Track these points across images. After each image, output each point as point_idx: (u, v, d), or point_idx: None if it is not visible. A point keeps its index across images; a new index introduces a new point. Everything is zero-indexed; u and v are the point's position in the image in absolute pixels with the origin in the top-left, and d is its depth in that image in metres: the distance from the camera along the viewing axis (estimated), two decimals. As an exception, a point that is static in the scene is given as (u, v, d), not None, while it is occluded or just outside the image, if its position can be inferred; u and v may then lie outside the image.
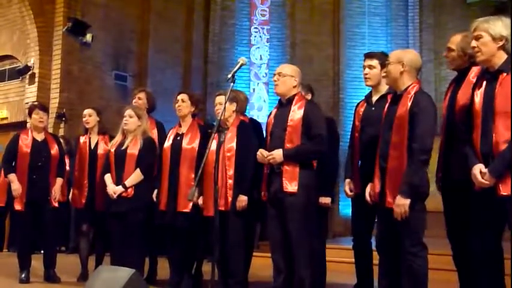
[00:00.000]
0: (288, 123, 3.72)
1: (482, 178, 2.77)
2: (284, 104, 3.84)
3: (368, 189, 3.45)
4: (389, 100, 3.48)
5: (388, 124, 3.28)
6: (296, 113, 3.73)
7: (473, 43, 2.93)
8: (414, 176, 3.09)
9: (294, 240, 3.63)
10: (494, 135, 2.77)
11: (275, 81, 3.84)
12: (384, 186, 3.25)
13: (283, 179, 3.65)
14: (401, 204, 3.08)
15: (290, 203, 3.63)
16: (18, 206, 4.77)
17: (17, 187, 4.75)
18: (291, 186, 3.63)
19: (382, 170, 3.28)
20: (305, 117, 3.70)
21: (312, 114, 3.72)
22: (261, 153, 3.76)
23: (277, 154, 3.66)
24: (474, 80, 3.21)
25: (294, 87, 3.81)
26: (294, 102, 3.77)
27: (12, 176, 4.79)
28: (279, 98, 3.94)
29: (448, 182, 3.40)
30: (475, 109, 2.90)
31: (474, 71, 3.32)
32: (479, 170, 2.80)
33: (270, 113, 4.00)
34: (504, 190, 2.70)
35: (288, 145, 3.69)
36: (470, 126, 2.93)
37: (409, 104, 3.17)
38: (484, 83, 2.90)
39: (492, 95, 2.81)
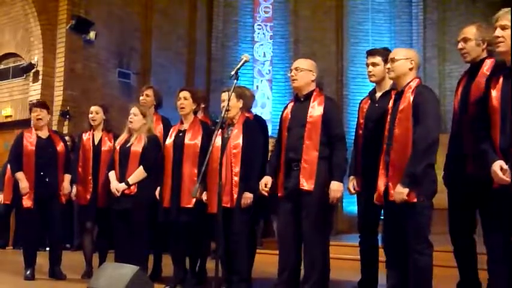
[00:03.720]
0: (308, 120, 3.69)
1: (504, 175, 2.71)
2: (302, 100, 3.81)
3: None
4: (393, 97, 3.47)
5: (392, 120, 3.28)
6: (316, 109, 3.70)
7: (499, 32, 2.83)
8: (415, 166, 3.09)
9: (308, 237, 3.64)
10: None
11: (292, 76, 3.81)
12: (388, 182, 3.24)
13: (301, 176, 3.64)
14: (400, 192, 3.09)
15: (307, 200, 3.62)
16: (27, 203, 4.77)
17: (25, 185, 4.76)
18: (307, 184, 3.62)
19: (387, 165, 3.27)
20: (325, 114, 3.67)
21: (331, 112, 3.70)
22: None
23: (336, 196, 3.58)
24: (488, 73, 3.18)
25: (312, 81, 3.80)
26: (312, 98, 3.75)
27: (20, 174, 4.80)
28: (288, 94, 3.93)
29: (458, 177, 3.38)
30: (492, 104, 2.82)
31: (488, 64, 3.27)
32: (499, 167, 2.72)
33: (286, 107, 3.95)
34: None
35: (307, 142, 3.65)
36: (488, 122, 2.85)
37: (412, 97, 3.19)
38: (502, 77, 2.82)
39: (510, 90, 2.74)
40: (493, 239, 2.88)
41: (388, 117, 3.38)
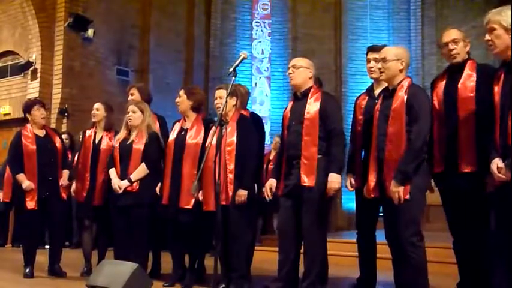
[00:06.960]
0: (305, 116, 3.69)
1: (499, 172, 2.72)
2: (300, 97, 3.82)
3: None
4: (381, 95, 3.52)
5: (383, 117, 3.34)
6: (312, 105, 3.71)
7: (487, 36, 2.88)
8: (409, 163, 3.17)
9: (308, 233, 3.64)
10: (509, 129, 2.69)
11: (290, 73, 3.83)
12: (382, 178, 3.30)
13: (301, 172, 3.64)
14: (395, 190, 3.17)
15: (308, 196, 3.62)
16: (31, 205, 4.74)
17: (28, 184, 4.73)
18: (308, 180, 3.61)
19: (379, 161, 3.33)
20: (322, 109, 3.68)
21: (328, 106, 3.70)
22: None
23: (333, 187, 3.55)
24: (472, 73, 3.31)
25: (310, 78, 3.81)
26: (310, 95, 3.76)
27: (21, 176, 4.77)
28: (287, 92, 3.94)
29: (452, 173, 3.38)
30: (495, 103, 2.85)
31: (470, 65, 3.38)
32: (496, 165, 2.75)
33: (286, 107, 3.98)
34: None
35: (305, 138, 3.65)
36: (491, 119, 2.87)
37: (405, 96, 3.25)
38: (502, 75, 2.85)
39: (508, 88, 2.76)
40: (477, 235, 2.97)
41: (377, 114, 3.43)
